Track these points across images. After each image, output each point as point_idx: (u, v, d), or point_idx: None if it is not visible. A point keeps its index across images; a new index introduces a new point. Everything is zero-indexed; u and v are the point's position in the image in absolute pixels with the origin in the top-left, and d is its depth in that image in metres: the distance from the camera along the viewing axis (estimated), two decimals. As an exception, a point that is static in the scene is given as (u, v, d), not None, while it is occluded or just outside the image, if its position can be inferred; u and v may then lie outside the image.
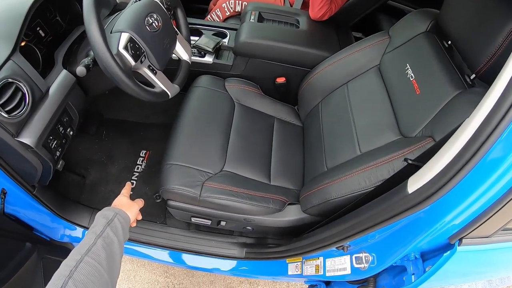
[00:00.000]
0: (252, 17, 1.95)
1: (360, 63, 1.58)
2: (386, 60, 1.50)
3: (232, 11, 2.35)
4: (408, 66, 1.34)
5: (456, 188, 0.83)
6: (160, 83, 1.22)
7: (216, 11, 2.38)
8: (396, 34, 1.52)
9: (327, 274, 1.34)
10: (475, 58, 1.10)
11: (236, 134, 1.58)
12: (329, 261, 1.34)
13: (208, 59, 1.85)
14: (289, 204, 1.44)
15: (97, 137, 1.97)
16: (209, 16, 2.44)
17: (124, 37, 1.10)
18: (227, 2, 2.33)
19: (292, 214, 1.43)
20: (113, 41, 1.09)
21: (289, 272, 1.47)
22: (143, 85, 1.14)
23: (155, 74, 1.19)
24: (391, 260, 1.10)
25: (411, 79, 1.30)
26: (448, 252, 0.97)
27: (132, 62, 1.10)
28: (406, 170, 1.05)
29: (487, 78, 1.09)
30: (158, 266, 2.02)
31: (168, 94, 1.25)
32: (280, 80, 1.88)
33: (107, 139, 1.98)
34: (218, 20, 2.41)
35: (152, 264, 2.02)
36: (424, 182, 0.89)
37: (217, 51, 1.88)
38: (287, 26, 1.99)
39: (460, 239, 0.95)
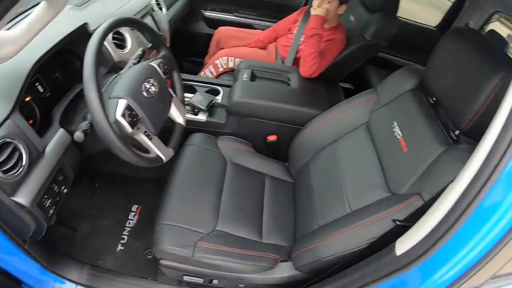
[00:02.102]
0: (245, 76, 2.01)
1: (349, 121, 1.62)
2: (374, 118, 1.54)
3: (225, 67, 2.42)
4: (395, 124, 1.38)
5: (444, 248, 0.85)
6: (155, 148, 1.24)
7: (210, 67, 2.46)
8: (384, 91, 1.57)
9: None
10: (459, 115, 1.13)
11: (228, 193, 1.59)
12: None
13: (202, 117, 1.88)
14: (281, 261, 1.44)
15: (89, 190, 1.98)
16: (202, 72, 2.51)
17: (122, 104, 1.12)
18: (220, 59, 2.40)
19: (284, 272, 1.43)
20: (111, 107, 1.11)
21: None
22: (138, 152, 1.16)
23: (150, 139, 1.22)
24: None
25: (398, 137, 1.34)
26: None
27: (129, 129, 1.12)
28: (396, 229, 1.07)
29: (472, 134, 1.12)
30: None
31: (162, 159, 1.27)
32: (272, 138, 1.92)
33: (99, 192, 1.98)
34: (212, 76, 2.47)
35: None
36: (412, 245, 0.92)
37: (210, 108, 1.92)
38: (279, 84, 2.06)
39: None
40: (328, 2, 2.11)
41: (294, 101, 1.90)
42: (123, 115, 1.12)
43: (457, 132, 1.18)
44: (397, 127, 1.37)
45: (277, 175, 1.80)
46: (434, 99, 1.33)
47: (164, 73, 1.36)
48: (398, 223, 1.07)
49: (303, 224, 1.54)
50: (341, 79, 2.37)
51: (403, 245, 0.95)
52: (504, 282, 1.09)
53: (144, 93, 1.21)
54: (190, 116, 1.87)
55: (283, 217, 1.62)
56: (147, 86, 1.23)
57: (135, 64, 1.38)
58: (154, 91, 1.24)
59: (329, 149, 1.65)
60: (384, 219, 1.14)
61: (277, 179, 1.78)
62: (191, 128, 1.86)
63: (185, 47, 3.03)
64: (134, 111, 1.15)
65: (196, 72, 2.58)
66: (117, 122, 1.10)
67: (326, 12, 2.09)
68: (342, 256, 1.21)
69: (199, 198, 1.53)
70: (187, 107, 1.87)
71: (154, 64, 1.33)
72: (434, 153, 1.17)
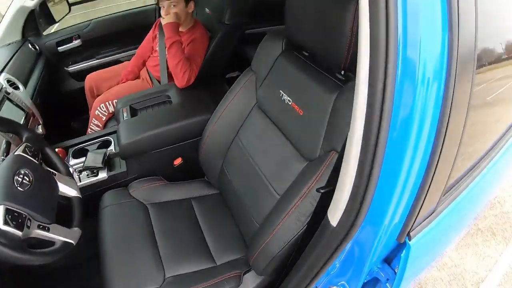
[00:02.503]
0: (125, 114, 1.92)
1: (240, 109, 1.58)
2: (260, 96, 1.51)
3: (107, 114, 2.31)
4: (282, 92, 1.35)
5: (377, 195, 0.78)
6: (57, 236, 1.13)
7: (93, 121, 2.33)
8: (258, 67, 1.54)
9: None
10: (336, 55, 1.10)
11: (161, 236, 1.51)
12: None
13: (103, 175, 1.78)
14: (244, 273, 1.39)
15: None
16: (89, 128, 2.38)
17: (0, 211, 1.01)
18: (99, 108, 2.29)
19: (251, 283, 1.38)
20: (-8, 220, 1.00)
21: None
22: (41, 250, 1.05)
23: (48, 230, 1.11)
24: (361, 278, 1.03)
25: (290, 103, 1.31)
26: (404, 251, 0.93)
27: (19, 233, 1.01)
28: (325, 197, 1.02)
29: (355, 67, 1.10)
30: None
31: (71, 243, 1.16)
32: (178, 161, 1.85)
33: None
34: (99, 129, 2.34)
35: None
36: (342, 210, 0.85)
37: (108, 162, 1.81)
38: (161, 106, 1.98)
39: (408, 234, 0.92)
40: (174, 5, 2.07)
41: (180, 116, 1.83)
42: (6, 222, 1.00)
43: (342, 72, 1.16)
44: (285, 95, 1.34)
45: (201, 193, 1.74)
46: (307, 51, 1.32)
47: (34, 155, 1.25)
48: (322, 191, 1.03)
49: (246, 229, 1.49)
50: (225, 71, 2.35)
51: (334, 214, 0.89)
52: (460, 189, 1.10)
53: (19, 188, 1.09)
54: (91, 179, 1.76)
55: (226, 231, 1.57)
56: (19, 179, 1.11)
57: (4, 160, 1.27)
58: (29, 180, 1.13)
59: (234, 145, 1.60)
60: (311, 191, 1.11)
61: (203, 197, 1.73)
62: (99, 190, 1.76)
63: (66, 110, 2.85)
64: (15, 212, 1.04)
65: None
66: (2, 232, 0.99)
67: (176, 17, 2.05)
68: (294, 243, 1.17)
69: (136, 256, 1.43)
70: (86, 172, 1.76)
71: (19, 152, 1.21)
72: (330, 102, 1.15)
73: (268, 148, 1.42)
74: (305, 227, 1.14)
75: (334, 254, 0.95)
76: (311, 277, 1.06)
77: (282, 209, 1.19)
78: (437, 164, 0.78)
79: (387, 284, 1.00)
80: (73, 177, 1.38)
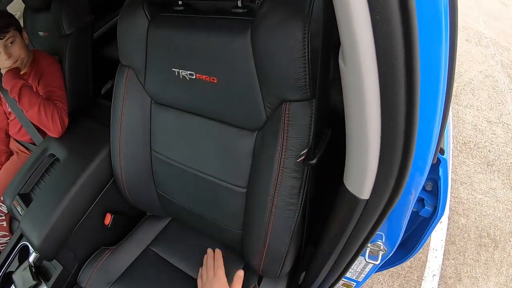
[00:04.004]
0: (19, 209, 1.49)
1: (137, 120, 1.25)
2: (151, 89, 1.18)
3: (4, 217, 1.86)
4: (176, 69, 1.04)
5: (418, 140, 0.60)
6: None
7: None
8: (129, 58, 1.19)
9: (360, 279, 1.16)
10: None
11: None
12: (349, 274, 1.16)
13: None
14: (258, 282, 1.22)
15: None
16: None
17: None
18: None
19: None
20: None
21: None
22: None
23: None
24: (403, 227, 0.92)
25: (194, 77, 1.01)
26: (441, 168, 0.87)
27: None
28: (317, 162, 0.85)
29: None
30: None
31: None
32: (108, 220, 1.48)
33: None
34: (8, 238, 1.87)
35: None
36: (372, 180, 0.67)
37: (39, 272, 1.41)
38: (51, 171, 1.56)
39: (441, 150, 0.85)
40: (11, 43, 1.63)
41: (78, 169, 1.41)
42: None
43: (239, 4, 0.92)
44: (182, 70, 1.03)
45: (154, 232, 1.48)
46: (181, 1, 1.02)
47: None
48: (311, 162, 0.84)
49: (226, 240, 1.27)
50: (97, 87, 2.09)
51: (359, 185, 0.71)
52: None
53: None
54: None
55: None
56: None
57: None
58: None
59: (155, 162, 1.29)
60: (285, 164, 0.91)
61: (159, 236, 1.47)
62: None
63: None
64: None
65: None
66: None
67: (19, 56, 1.64)
68: (299, 231, 1.01)
69: None
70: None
71: None
72: (246, 47, 0.88)
73: (196, 143, 1.14)
74: (301, 208, 0.95)
75: (376, 225, 0.80)
76: (349, 258, 0.94)
77: (261, 201, 0.99)
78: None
79: (427, 207, 0.94)
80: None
